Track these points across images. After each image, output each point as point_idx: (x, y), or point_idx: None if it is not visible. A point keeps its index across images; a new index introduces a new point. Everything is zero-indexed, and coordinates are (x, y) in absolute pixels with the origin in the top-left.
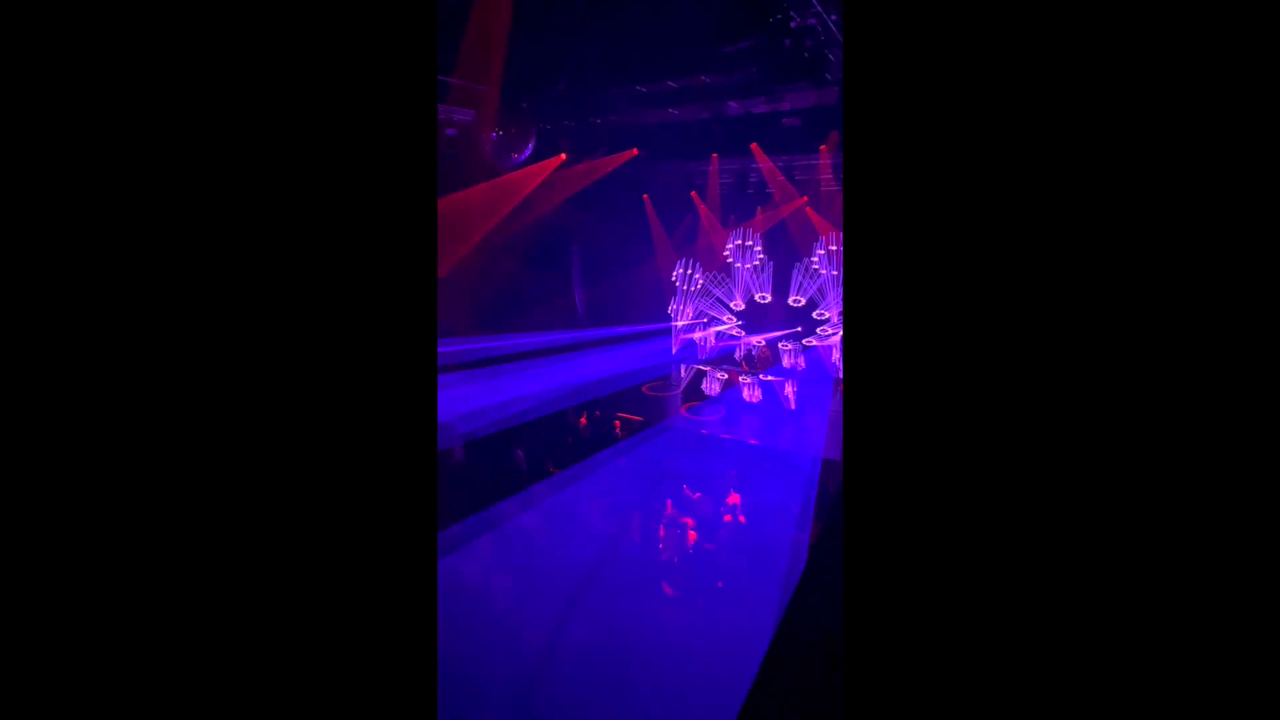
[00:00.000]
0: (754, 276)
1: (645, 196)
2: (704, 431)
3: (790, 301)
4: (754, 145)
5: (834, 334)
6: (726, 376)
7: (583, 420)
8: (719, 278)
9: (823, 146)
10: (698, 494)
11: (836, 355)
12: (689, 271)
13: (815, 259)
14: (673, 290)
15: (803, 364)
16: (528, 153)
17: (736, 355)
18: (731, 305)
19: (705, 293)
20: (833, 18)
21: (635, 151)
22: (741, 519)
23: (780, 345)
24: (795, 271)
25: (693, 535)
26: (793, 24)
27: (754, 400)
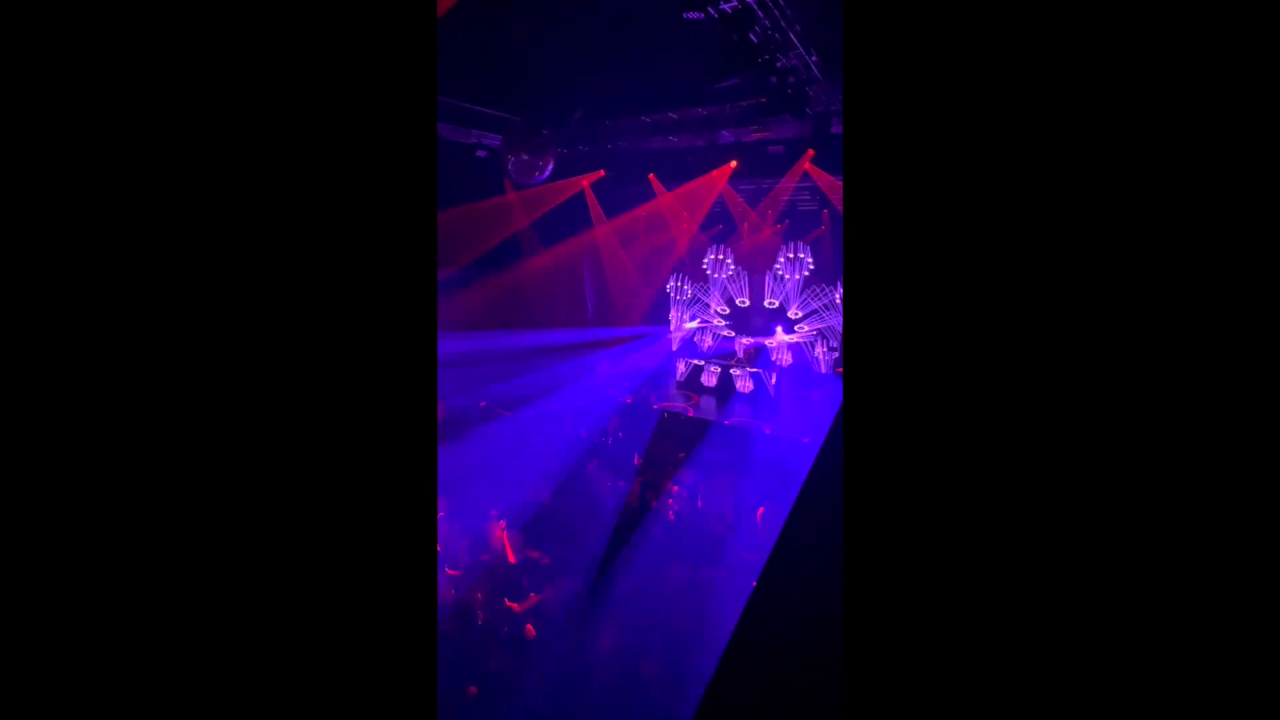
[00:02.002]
0: (731, 284)
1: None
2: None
3: (765, 304)
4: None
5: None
6: (718, 369)
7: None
8: (704, 287)
9: (807, 165)
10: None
11: (776, 355)
12: (679, 284)
13: (779, 265)
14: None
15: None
16: (547, 173)
17: (737, 351)
18: (717, 309)
19: (695, 300)
20: (813, 58)
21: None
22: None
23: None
24: (766, 278)
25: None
26: (778, 64)
27: (747, 390)
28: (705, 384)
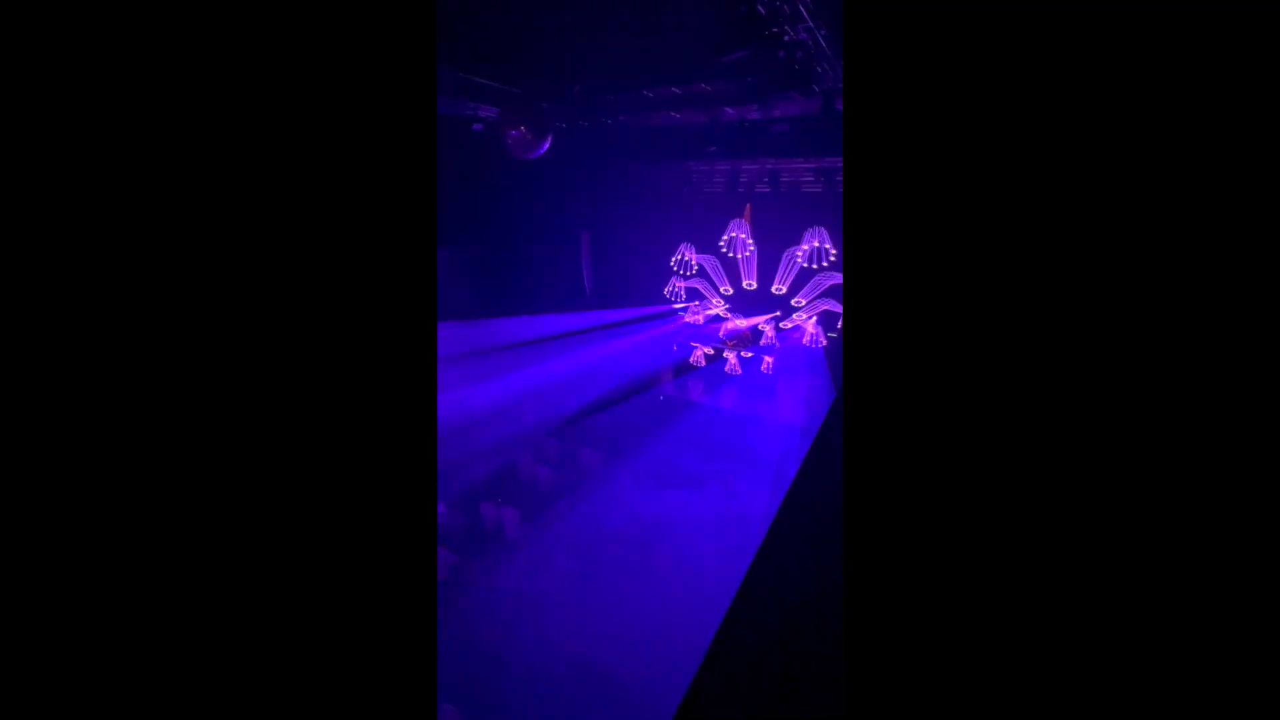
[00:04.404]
0: (744, 265)
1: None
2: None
3: (774, 289)
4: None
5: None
6: (713, 351)
7: None
8: (712, 263)
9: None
10: None
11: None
12: (684, 257)
13: (800, 252)
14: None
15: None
16: (545, 148)
17: (724, 334)
18: (721, 290)
19: (701, 274)
20: (822, 33)
21: None
22: None
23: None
24: (784, 260)
25: None
26: (786, 38)
27: (737, 373)
28: (694, 363)
